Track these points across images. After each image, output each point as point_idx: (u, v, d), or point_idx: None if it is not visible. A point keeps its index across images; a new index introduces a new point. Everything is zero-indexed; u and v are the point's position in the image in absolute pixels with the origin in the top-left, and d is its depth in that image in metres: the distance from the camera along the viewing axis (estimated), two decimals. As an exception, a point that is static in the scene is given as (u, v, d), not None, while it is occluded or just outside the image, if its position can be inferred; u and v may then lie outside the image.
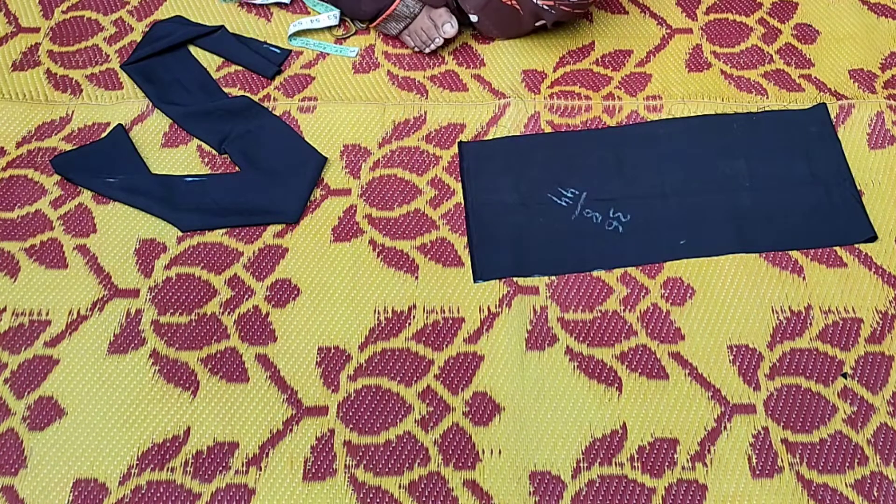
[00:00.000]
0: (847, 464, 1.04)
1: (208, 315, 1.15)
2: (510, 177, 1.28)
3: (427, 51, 1.43)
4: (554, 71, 1.43)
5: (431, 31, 1.41)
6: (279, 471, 1.02)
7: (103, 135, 1.32)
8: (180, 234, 1.22)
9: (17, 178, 1.28)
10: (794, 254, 1.21)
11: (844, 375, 1.11)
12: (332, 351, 1.12)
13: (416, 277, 1.19)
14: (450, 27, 1.41)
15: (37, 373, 1.09)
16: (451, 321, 1.15)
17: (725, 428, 1.06)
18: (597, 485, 1.02)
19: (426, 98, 1.39)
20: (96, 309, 1.15)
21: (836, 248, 1.22)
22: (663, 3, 1.55)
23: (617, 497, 1.01)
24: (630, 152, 1.31)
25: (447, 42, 1.43)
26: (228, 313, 1.15)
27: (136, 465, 1.02)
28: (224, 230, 1.23)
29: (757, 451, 1.04)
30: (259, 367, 1.10)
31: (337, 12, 1.46)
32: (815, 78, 1.43)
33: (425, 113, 1.37)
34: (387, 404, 1.08)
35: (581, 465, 1.03)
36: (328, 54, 1.44)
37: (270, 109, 1.36)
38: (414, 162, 1.31)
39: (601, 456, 1.04)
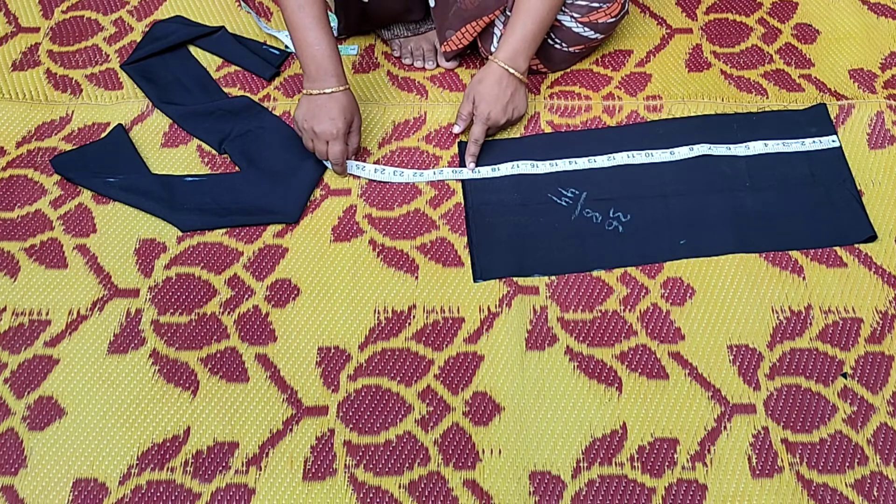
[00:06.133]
0: (847, 464, 1.04)
1: (208, 315, 1.15)
2: (510, 177, 1.28)
3: (413, 63, 1.43)
4: (553, 71, 1.43)
5: (430, 53, 1.42)
6: (279, 471, 1.02)
7: (103, 135, 1.32)
8: (180, 234, 1.22)
9: (17, 178, 1.28)
10: (794, 254, 1.21)
11: (844, 375, 1.11)
12: (332, 351, 1.12)
13: (416, 277, 1.19)
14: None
15: (37, 373, 1.09)
16: (451, 321, 1.15)
17: (725, 428, 1.06)
18: (597, 485, 1.02)
19: (426, 98, 1.39)
20: (96, 309, 1.15)
21: (836, 248, 1.22)
22: (663, 3, 1.55)
23: (617, 497, 1.01)
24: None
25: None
26: (228, 313, 1.15)
27: (136, 465, 1.02)
28: (224, 230, 1.23)
29: (757, 451, 1.04)
30: (259, 366, 1.10)
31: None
32: (815, 78, 1.43)
33: (425, 113, 1.37)
34: (387, 404, 1.08)
35: (581, 465, 1.03)
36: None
37: (270, 109, 1.36)
38: (414, 162, 1.31)
39: (601, 456, 1.04)
